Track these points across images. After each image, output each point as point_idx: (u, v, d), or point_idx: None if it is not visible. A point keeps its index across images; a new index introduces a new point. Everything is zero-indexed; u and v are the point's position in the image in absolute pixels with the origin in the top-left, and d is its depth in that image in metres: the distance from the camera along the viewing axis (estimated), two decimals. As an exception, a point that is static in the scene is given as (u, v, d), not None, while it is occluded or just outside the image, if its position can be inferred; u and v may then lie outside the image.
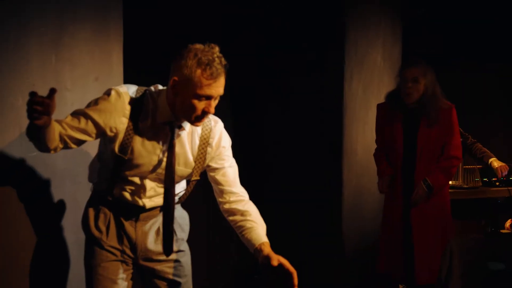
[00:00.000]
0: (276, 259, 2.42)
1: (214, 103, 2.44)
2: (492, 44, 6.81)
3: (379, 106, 4.32)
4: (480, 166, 5.48)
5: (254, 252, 2.54)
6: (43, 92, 2.86)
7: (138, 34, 3.86)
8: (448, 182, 4.12)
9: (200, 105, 2.40)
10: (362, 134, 4.75)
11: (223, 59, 2.39)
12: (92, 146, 2.57)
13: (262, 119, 5.10)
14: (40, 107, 2.16)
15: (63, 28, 2.99)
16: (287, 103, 5.01)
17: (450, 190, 5.14)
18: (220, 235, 4.59)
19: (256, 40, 4.88)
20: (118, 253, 2.67)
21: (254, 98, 4.82)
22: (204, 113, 2.44)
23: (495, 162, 5.36)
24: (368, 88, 4.77)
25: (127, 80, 3.26)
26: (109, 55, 3.23)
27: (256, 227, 2.59)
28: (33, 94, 2.14)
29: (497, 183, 5.42)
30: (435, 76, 4.08)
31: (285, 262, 2.41)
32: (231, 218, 2.65)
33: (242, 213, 2.62)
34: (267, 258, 2.43)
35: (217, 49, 2.40)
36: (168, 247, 2.68)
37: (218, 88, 2.40)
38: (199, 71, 2.34)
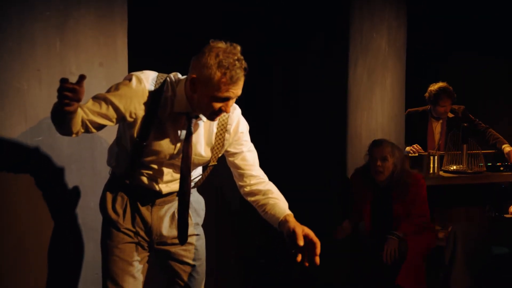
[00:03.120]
0: (301, 229, 2.41)
1: (231, 103, 2.46)
2: (492, 38, 6.84)
3: (352, 177, 4.54)
4: (485, 151, 5.49)
5: (278, 225, 2.52)
6: (48, 77, 2.90)
7: (142, 21, 3.86)
8: (415, 232, 4.20)
9: (217, 105, 2.42)
10: (366, 120, 4.75)
11: (243, 62, 2.39)
12: (99, 132, 2.59)
13: (266, 111, 5.11)
14: (71, 94, 2.17)
15: (68, 13, 3.00)
16: (291, 90, 5.01)
17: (454, 175, 5.17)
18: (226, 219, 4.61)
19: (257, 37, 4.89)
20: (134, 236, 2.71)
21: (256, 88, 4.84)
22: (220, 112, 2.46)
23: (508, 147, 5.40)
24: (373, 74, 4.76)
25: (131, 66, 3.28)
26: (113, 41, 3.24)
27: (279, 202, 2.59)
28: (64, 81, 2.15)
29: (502, 168, 5.41)
30: (403, 154, 4.34)
31: (310, 232, 2.40)
32: (253, 199, 2.65)
33: (264, 193, 2.63)
34: (292, 229, 2.43)
35: (238, 49, 2.40)
36: (182, 236, 2.71)
37: (236, 90, 2.41)
38: (219, 75, 2.34)
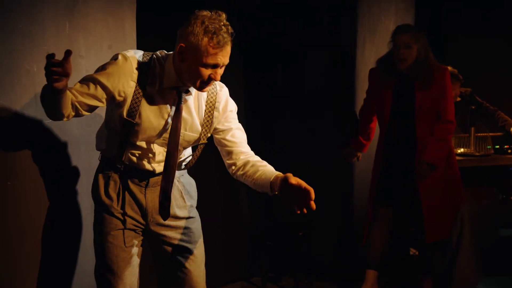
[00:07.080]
0: (294, 179, 2.37)
1: (220, 71, 2.48)
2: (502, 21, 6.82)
3: (371, 71, 4.39)
4: (493, 134, 5.48)
5: (270, 186, 2.50)
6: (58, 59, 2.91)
7: (151, 3, 3.87)
8: (446, 150, 4.16)
9: (207, 72, 2.44)
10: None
11: (229, 27, 2.42)
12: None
13: (271, 87, 5.11)
14: (59, 69, 2.18)
15: (76, -5, 3.01)
16: (298, 71, 5.01)
17: (461, 158, 5.17)
18: (233, 201, 4.64)
19: (263, 19, 4.87)
20: (128, 220, 2.70)
21: (263, 66, 4.83)
22: (210, 80, 2.48)
23: None
24: (381, 55, 4.76)
25: (140, 48, 3.29)
26: (122, 23, 3.25)
27: (267, 168, 2.59)
28: (50, 56, 2.16)
29: (509, 151, 5.41)
30: (427, 41, 4.14)
31: (302, 182, 2.34)
32: (241, 172, 2.66)
33: (253, 164, 2.64)
34: (284, 180, 2.39)
35: (224, 16, 2.43)
36: (164, 211, 2.68)
37: (224, 57, 2.44)
38: (206, 40, 2.37)
